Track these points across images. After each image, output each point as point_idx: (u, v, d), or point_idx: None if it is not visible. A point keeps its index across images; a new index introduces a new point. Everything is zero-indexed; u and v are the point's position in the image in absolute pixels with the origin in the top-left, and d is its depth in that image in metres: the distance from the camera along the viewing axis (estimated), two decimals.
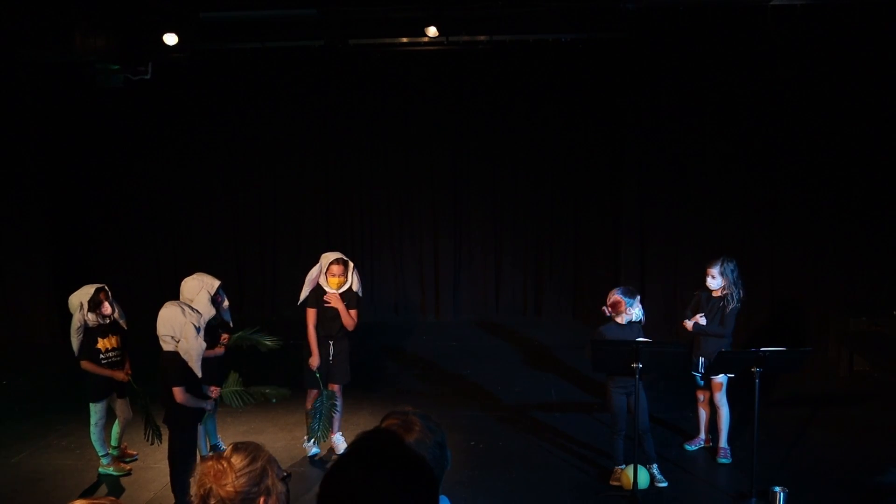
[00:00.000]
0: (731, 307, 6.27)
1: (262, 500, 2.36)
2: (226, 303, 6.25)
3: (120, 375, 6.12)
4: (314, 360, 6.31)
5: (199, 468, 2.41)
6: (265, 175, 10.94)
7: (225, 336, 6.19)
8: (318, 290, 6.33)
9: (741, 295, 6.33)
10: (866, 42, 8.58)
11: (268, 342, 6.41)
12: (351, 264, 6.43)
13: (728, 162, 9.45)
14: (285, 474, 2.46)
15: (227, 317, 6.30)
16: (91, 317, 6.04)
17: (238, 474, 2.34)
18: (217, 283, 6.05)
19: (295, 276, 10.64)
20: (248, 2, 8.34)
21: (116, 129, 10.78)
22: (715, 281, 6.30)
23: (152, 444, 6.00)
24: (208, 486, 2.34)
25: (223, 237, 10.97)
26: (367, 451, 1.57)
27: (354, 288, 6.43)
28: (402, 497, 1.49)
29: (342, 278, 6.31)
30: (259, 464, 2.39)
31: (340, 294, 6.34)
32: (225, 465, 2.35)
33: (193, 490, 2.38)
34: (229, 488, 2.33)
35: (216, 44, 9.10)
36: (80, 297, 6.05)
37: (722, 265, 6.31)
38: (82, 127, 10.73)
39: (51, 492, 5.98)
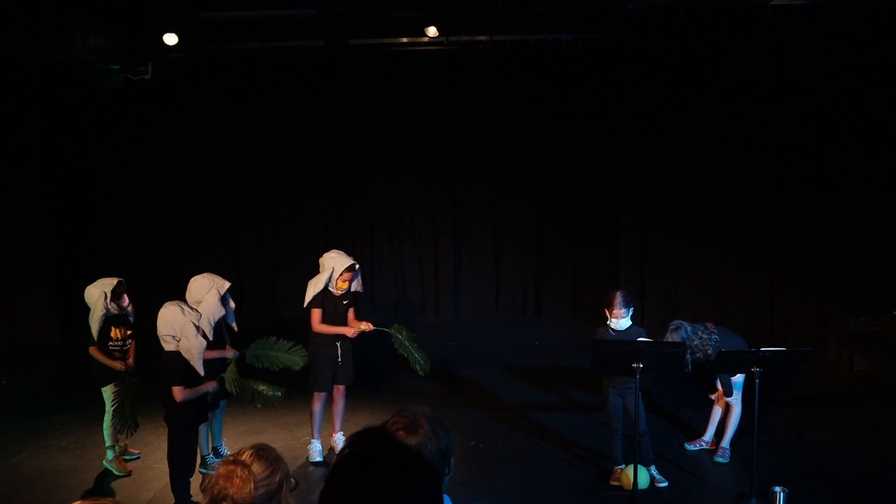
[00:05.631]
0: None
1: None
2: (232, 304, 6.24)
3: (118, 365, 6.16)
4: (351, 331, 6.27)
5: (218, 470, 2.42)
6: (265, 175, 10.94)
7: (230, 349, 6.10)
8: (324, 292, 6.30)
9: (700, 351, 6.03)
10: (866, 42, 8.58)
11: (292, 358, 6.26)
12: (357, 266, 6.40)
13: (728, 162, 9.45)
14: (294, 485, 2.48)
15: (231, 318, 6.28)
16: (113, 305, 6.20)
17: (257, 484, 2.36)
18: (227, 284, 6.05)
19: (295, 276, 10.67)
20: (248, 2, 8.34)
21: (116, 129, 10.78)
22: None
23: (121, 432, 6.13)
24: (224, 489, 2.35)
25: (223, 237, 10.97)
26: (364, 451, 1.56)
27: (353, 288, 6.44)
28: (405, 494, 1.49)
29: (348, 283, 6.32)
30: (277, 477, 2.41)
31: (344, 294, 6.35)
32: (246, 472, 2.36)
33: (206, 487, 2.40)
34: (245, 495, 2.34)
35: (216, 44, 9.10)
36: (104, 287, 6.19)
37: (671, 333, 6.10)
38: (82, 127, 10.72)
39: (51, 492, 5.97)
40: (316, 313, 6.28)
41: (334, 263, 6.26)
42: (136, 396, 6.03)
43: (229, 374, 5.94)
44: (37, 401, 8.08)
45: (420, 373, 6.61)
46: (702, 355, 6.00)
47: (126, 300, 6.32)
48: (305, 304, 6.31)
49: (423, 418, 2.31)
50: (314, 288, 6.27)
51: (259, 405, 6.08)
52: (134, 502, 5.79)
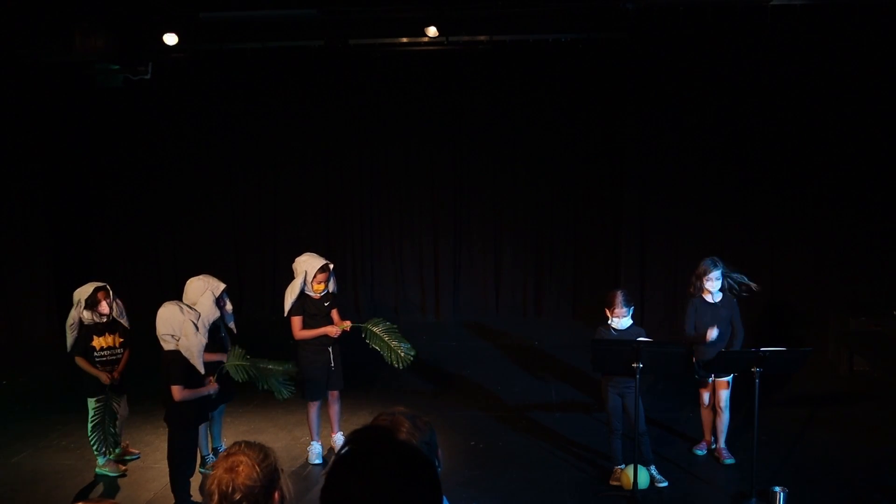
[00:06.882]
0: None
1: (276, 494, 2.47)
2: (229, 306, 6.21)
3: (104, 377, 6.04)
4: (334, 329, 6.17)
5: (215, 471, 2.47)
6: (265, 175, 10.94)
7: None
8: (302, 298, 6.24)
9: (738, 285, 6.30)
10: (866, 42, 8.58)
11: (279, 368, 5.89)
12: (331, 266, 6.32)
13: (728, 162, 9.44)
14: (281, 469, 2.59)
15: (230, 319, 6.26)
16: (87, 315, 6.03)
17: (260, 466, 2.44)
18: (222, 286, 6.03)
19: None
20: (248, 2, 8.34)
21: (116, 129, 10.79)
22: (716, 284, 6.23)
23: (100, 452, 5.95)
24: (232, 482, 2.41)
25: (223, 237, 10.97)
26: (366, 447, 1.56)
27: (331, 289, 6.39)
28: (408, 490, 1.49)
29: (325, 284, 6.27)
30: (272, 458, 2.50)
31: (323, 296, 6.28)
32: (246, 458, 2.45)
33: (209, 490, 2.44)
34: (255, 479, 2.42)
35: (216, 44, 9.10)
36: (80, 295, 6.06)
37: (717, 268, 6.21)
38: (82, 127, 10.73)
39: (51, 492, 5.97)
40: (296, 321, 6.21)
41: (306, 266, 6.20)
42: (114, 417, 5.84)
43: (233, 360, 5.70)
44: (37, 401, 8.08)
45: (398, 365, 6.18)
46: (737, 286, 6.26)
47: (106, 307, 6.04)
48: (286, 314, 6.25)
49: (401, 416, 2.39)
50: (291, 295, 6.20)
51: (282, 379, 5.73)
52: (134, 502, 5.79)
